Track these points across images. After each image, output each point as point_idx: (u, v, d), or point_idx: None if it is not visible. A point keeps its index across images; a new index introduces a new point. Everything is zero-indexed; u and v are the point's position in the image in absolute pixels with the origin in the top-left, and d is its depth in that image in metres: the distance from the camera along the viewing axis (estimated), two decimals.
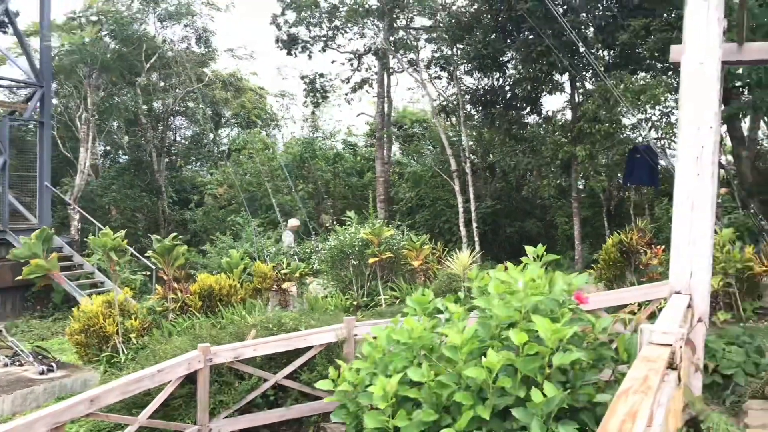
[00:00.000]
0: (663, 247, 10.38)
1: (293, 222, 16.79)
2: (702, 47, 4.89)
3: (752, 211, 11.64)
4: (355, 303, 11.09)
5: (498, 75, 16.77)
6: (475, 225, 18.44)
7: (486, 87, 17.16)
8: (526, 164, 16.36)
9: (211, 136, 30.81)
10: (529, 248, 4.60)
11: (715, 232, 9.81)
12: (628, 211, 17.74)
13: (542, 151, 15.09)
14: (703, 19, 4.88)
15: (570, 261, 17.27)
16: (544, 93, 16.09)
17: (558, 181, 16.30)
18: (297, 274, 11.09)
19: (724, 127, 16.97)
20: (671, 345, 3.19)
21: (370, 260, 11.16)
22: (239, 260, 11.23)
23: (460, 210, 18.71)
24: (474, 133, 19.51)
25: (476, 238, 18.54)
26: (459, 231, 19.24)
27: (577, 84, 15.52)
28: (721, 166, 17.17)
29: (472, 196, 18.21)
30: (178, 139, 32.64)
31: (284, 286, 10.97)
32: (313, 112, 29.92)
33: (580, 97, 15.40)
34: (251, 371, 6.26)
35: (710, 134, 4.95)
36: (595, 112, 13.56)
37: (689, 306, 4.94)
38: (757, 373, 7.47)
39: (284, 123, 39.99)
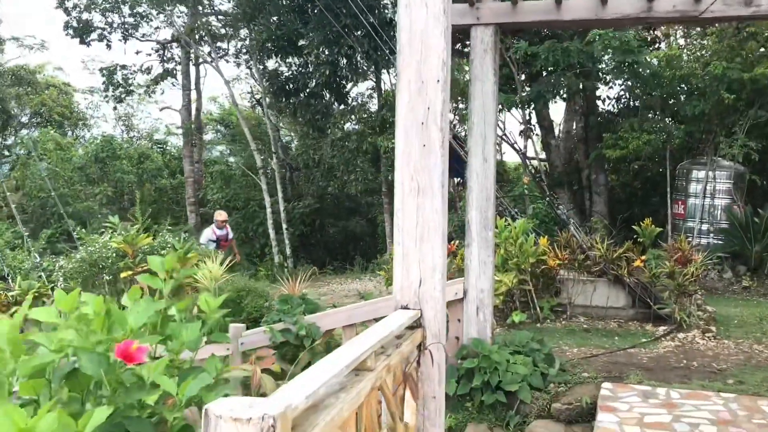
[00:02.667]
0: (456, 241, 9.32)
1: (219, 215, 13.76)
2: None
3: (548, 200, 10.92)
4: None
5: (299, 60, 15.24)
6: (285, 227, 16.84)
7: (288, 74, 15.59)
8: (331, 158, 14.99)
9: None
10: None
11: (511, 221, 8.85)
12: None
13: (347, 143, 13.79)
14: None
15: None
16: (350, 80, 14.81)
17: (367, 176, 15.10)
18: (30, 296, 8.89)
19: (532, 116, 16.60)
20: None
21: (122, 274, 9.20)
22: None
23: (268, 211, 17.05)
24: (297, 127, 17.86)
25: (287, 242, 16.95)
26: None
27: (382, 69, 14.39)
28: (526, 156, 16.84)
29: (280, 195, 16.60)
30: None
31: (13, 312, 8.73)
32: (114, 108, 26.93)
33: (385, 84, 14.27)
34: None
35: (438, 92, 3.61)
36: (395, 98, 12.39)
37: (417, 326, 3.59)
38: (544, 386, 6.41)
39: (94, 122, 36.33)
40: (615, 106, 16.02)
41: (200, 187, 22.20)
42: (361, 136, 13.59)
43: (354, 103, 15.28)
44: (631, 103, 15.07)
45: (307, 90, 14.63)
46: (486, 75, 6.51)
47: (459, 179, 13.59)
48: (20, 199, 24.87)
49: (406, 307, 3.64)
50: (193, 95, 23.70)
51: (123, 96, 25.55)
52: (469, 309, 6.66)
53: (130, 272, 9.24)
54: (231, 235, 13.52)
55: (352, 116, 14.52)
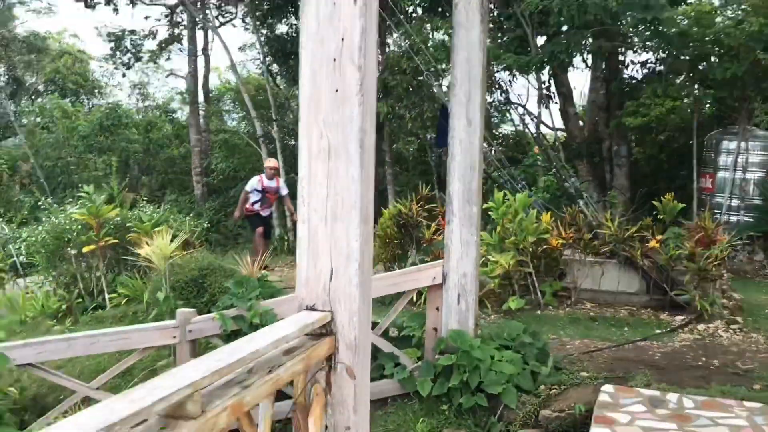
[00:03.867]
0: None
1: (268, 162, 12.08)
2: None
3: (554, 170, 9.88)
4: (66, 305, 8.34)
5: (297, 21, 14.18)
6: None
7: (286, 35, 14.54)
8: None
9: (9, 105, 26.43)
10: None
11: (511, 195, 7.87)
12: None
13: None
14: None
15: None
16: None
17: None
18: None
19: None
20: None
21: (84, 249, 8.41)
22: None
23: None
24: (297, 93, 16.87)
25: (287, 213, 16.06)
26: None
27: (386, 28, 13.31)
28: (541, 123, 15.70)
29: (281, 164, 15.71)
30: None
31: None
32: (123, 75, 26.10)
33: (388, 46, 13.20)
34: None
35: (356, 17, 2.64)
36: (397, 61, 11.40)
37: (326, 333, 2.69)
38: (534, 388, 5.50)
39: (110, 91, 35.78)
40: (640, 71, 14.76)
41: (207, 156, 21.44)
42: None
43: None
44: (657, 67, 13.81)
45: None
46: (472, 20, 5.51)
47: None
48: (31, 169, 24.40)
49: (313, 308, 2.73)
50: (203, 62, 22.86)
51: (132, 62, 24.87)
52: (448, 296, 5.75)
53: (92, 246, 8.47)
54: (285, 191, 11.62)
55: None
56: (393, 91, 11.81)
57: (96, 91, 34.03)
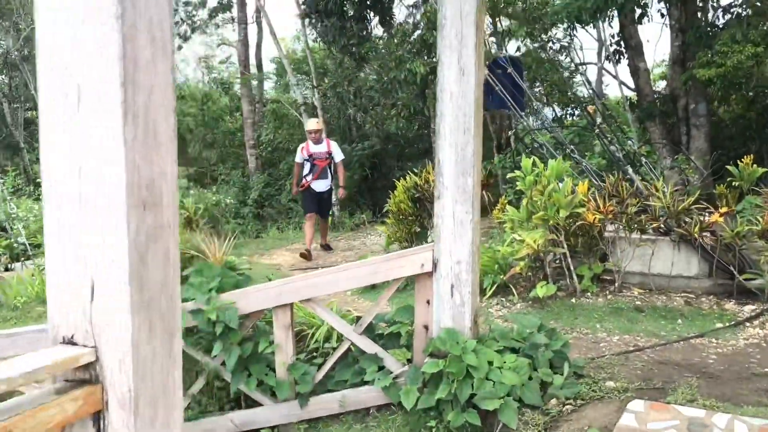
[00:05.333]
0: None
1: (310, 124, 10.51)
2: None
3: (597, 132, 8.49)
4: None
5: None
6: None
7: None
8: (368, 89, 12.84)
9: None
10: None
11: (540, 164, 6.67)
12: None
13: (382, 73, 11.70)
14: None
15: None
16: None
17: (409, 110, 12.87)
18: None
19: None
20: None
21: None
22: None
23: None
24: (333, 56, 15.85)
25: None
26: None
27: None
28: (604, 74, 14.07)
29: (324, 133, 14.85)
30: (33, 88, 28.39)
31: None
32: (179, 47, 25.76)
33: None
34: None
35: None
36: (435, 15, 10.19)
37: (90, 381, 1.76)
38: (543, 403, 4.41)
39: (176, 66, 35.96)
40: (721, 17, 12.93)
41: (259, 128, 20.87)
42: (400, 62, 11.44)
43: (398, 24, 13.00)
44: (742, 11, 11.98)
45: (344, 9, 12.48)
46: None
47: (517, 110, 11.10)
48: None
49: (71, 340, 1.79)
50: (255, 30, 22.23)
51: (188, 34, 24.60)
52: (440, 287, 4.70)
53: None
54: (339, 156, 10.15)
55: (394, 40, 12.31)
56: (433, 48, 10.62)
57: None
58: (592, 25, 12.64)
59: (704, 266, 6.43)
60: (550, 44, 13.42)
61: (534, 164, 6.47)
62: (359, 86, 13.46)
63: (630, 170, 7.49)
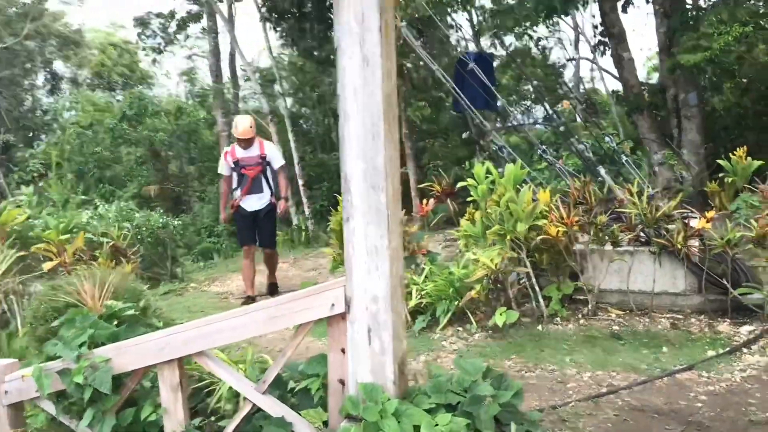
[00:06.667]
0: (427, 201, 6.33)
1: (239, 121, 8.01)
2: None
3: (576, 136, 7.56)
4: None
5: None
6: (301, 183, 14.28)
7: None
8: (332, 94, 11.98)
9: (44, 101, 25.97)
10: None
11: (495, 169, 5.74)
12: None
13: None
14: None
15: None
16: None
17: None
18: None
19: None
20: None
21: None
22: None
23: (296, 165, 14.46)
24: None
25: (304, 199, 14.39)
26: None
27: None
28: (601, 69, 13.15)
29: (293, 143, 14.01)
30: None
31: None
32: (154, 61, 24.87)
33: None
34: None
35: None
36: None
37: None
38: None
39: (156, 81, 35.23)
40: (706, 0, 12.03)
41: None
42: None
43: None
44: None
45: (302, 9, 11.56)
46: None
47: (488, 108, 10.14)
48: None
49: None
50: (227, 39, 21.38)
51: (163, 47, 23.82)
52: (355, 333, 3.75)
53: None
54: (276, 161, 7.90)
55: None
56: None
57: (145, 82, 33.50)
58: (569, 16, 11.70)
59: (692, 280, 5.48)
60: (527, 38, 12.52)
61: (488, 171, 5.54)
62: (324, 91, 12.57)
63: (602, 171, 6.55)
